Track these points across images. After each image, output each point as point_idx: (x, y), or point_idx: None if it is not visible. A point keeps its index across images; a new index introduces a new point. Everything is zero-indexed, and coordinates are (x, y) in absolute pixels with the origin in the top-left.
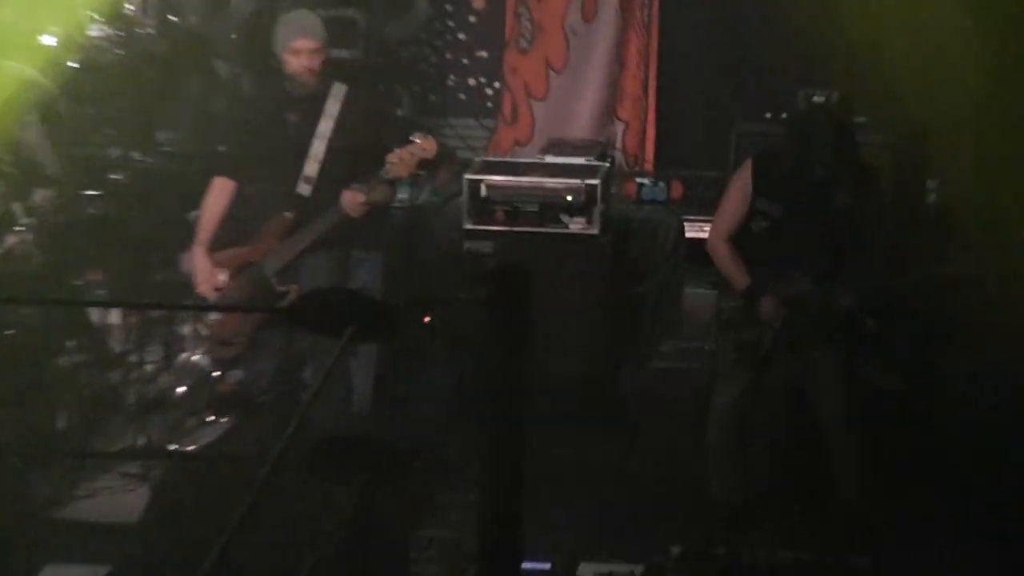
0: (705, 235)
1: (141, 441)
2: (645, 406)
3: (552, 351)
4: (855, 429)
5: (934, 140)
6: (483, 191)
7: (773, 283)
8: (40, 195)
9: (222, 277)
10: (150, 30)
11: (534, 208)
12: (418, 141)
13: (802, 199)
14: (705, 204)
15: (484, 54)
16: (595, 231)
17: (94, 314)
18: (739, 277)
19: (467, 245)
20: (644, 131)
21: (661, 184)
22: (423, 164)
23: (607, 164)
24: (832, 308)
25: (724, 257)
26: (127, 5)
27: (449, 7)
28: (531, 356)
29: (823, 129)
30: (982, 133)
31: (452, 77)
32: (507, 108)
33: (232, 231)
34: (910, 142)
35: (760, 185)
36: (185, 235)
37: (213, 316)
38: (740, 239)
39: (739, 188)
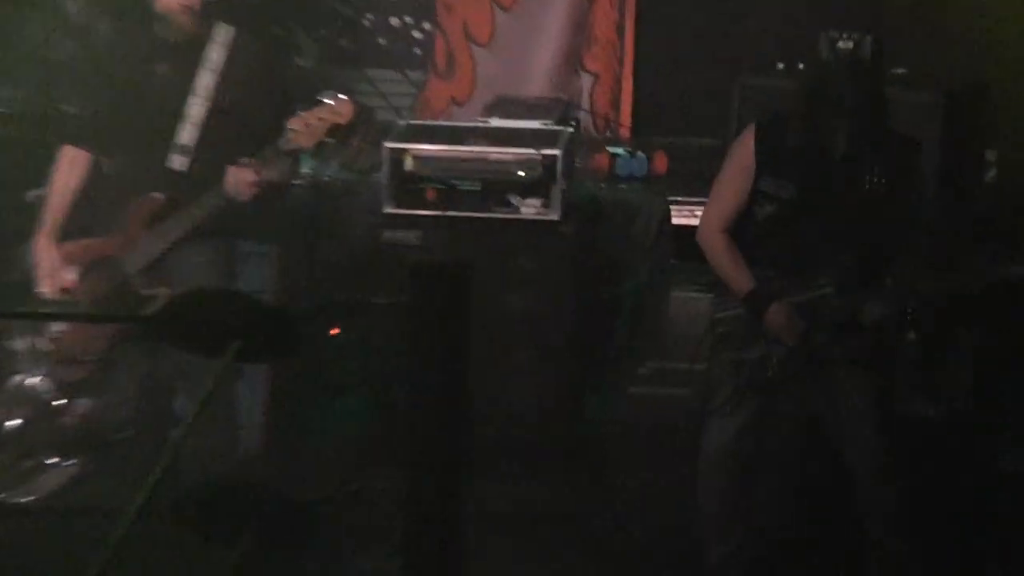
0: (697, 222)
1: None
2: (618, 444)
3: (498, 373)
4: (892, 477)
5: (996, 99)
6: (409, 164)
7: (784, 287)
8: None
9: (71, 275)
10: None
11: (475, 187)
12: (327, 101)
13: (821, 178)
14: (698, 182)
15: None
16: (555, 217)
17: None
18: (740, 278)
19: (387, 235)
20: (619, 86)
21: (641, 155)
22: (333, 131)
23: (570, 129)
24: (861, 320)
25: (720, 252)
26: None
27: None
28: (471, 380)
29: (850, 85)
30: None
31: (369, 17)
32: (440, 56)
33: (86, 215)
34: (965, 101)
35: (766, 159)
36: (25, 220)
37: (57, 326)
38: (741, 230)
39: (739, 163)
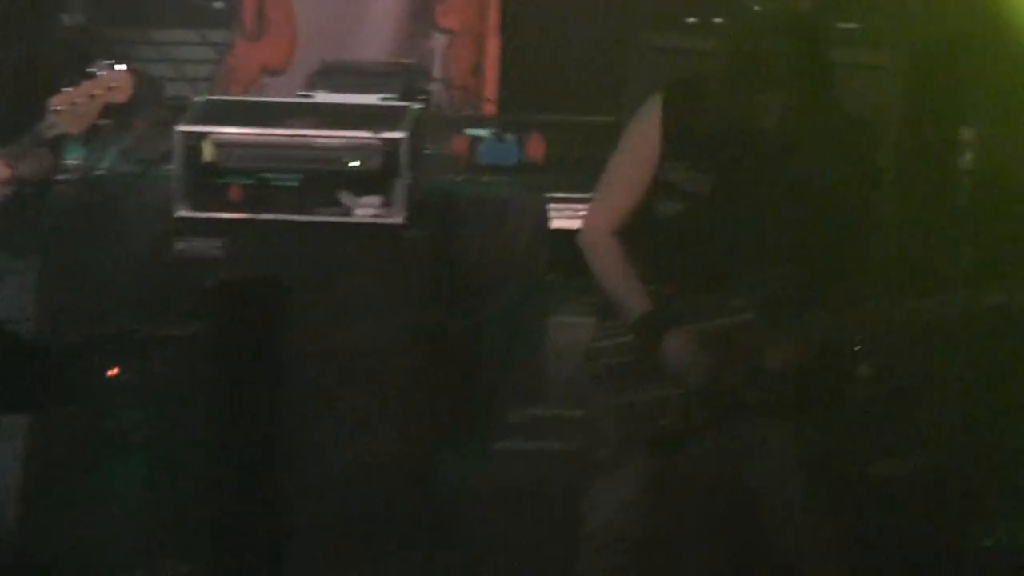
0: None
1: None
2: (481, 514)
3: (325, 425)
4: (838, 550)
5: (974, 59)
6: (208, 153)
7: (689, 309)
8: None
9: None
10: None
11: (294, 182)
12: (101, 74)
13: (745, 167)
14: (584, 173)
15: None
16: (398, 219)
17: None
18: (630, 296)
19: (181, 245)
20: (481, 47)
21: (510, 139)
22: (109, 111)
23: (419, 105)
24: (793, 353)
25: (607, 261)
26: None
27: None
28: (289, 434)
29: (782, 47)
30: None
31: None
32: (249, 13)
33: None
34: (933, 64)
35: (675, 142)
36: None
37: None
38: (638, 233)
39: (639, 145)
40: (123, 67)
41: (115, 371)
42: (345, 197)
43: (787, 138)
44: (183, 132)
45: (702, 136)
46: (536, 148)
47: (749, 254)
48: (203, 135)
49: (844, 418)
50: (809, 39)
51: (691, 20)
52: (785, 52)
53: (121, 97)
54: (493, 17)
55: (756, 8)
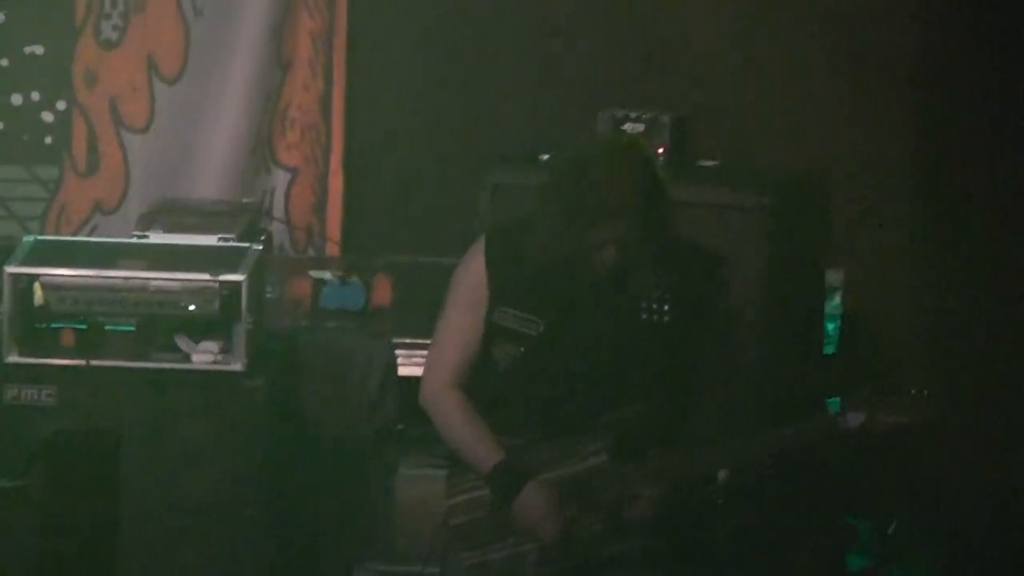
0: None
1: None
2: None
3: None
4: None
5: (841, 199)
6: (38, 296)
7: (543, 455)
8: None
9: None
10: None
11: (130, 326)
12: None
13: (578, 304)
14: (434, 315)
15: (38, 48)
16: (238, 367)
17: None
18: (481, 448)
19: (10, 393)
20: (325, 185)
21: (355, 282)
22: None
23: (259, 246)
24: (651, 494)
25: (454, 416)
26: None
27: None
28: None
29: (614, 178)
30: (922, 186)
31: None
32: (80, 147)
33: None
34: (799, 203)
35: (502, 284)
36: None
37: None
38: (480, 381)
39: (467, 292)
40: None
41: None
42: (183, 343)
43: (620, 273)
44: (12, 274)
45: (530, 277)
46: (382, 291)
47: (596, 394)
48: (33, 277)
49: (709, 564)
50: (641, 168)
51: (543, 158)
52: (617, 182)
53: None
54: (336, 154)
55: (589, 142)
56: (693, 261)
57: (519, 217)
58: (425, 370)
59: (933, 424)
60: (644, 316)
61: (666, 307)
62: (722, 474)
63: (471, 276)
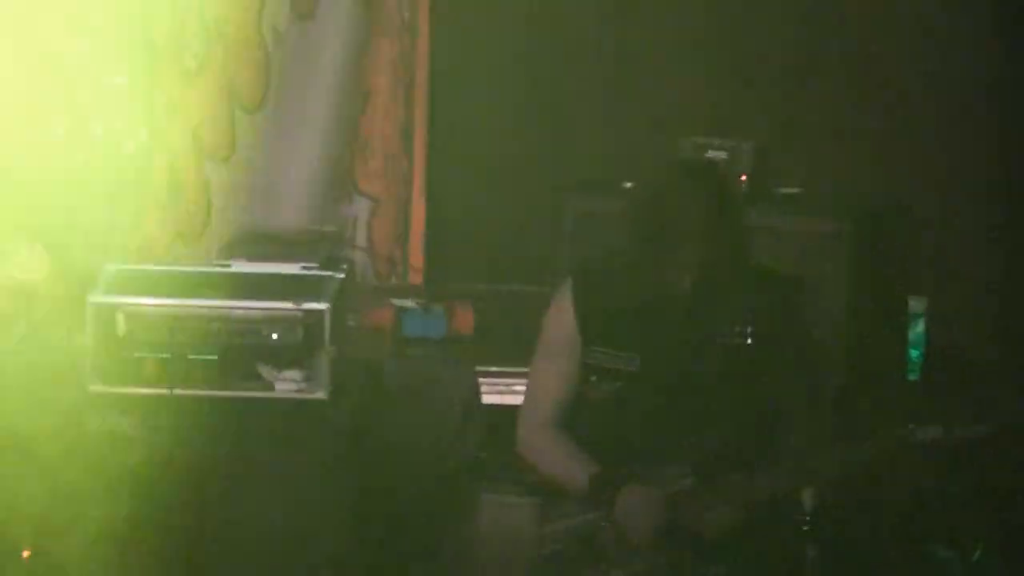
0: (517, 399)
1: None
2: None
3: None
4: None
5: (922, 227)
6: (121, 326)
7: (635, 478)
8: None
9: None
10: None
11: (212, 355)
12: (20, 254)
13: (667, 335)
14: (515, 343)
15: (119, 78)
16: (321, 395)
17: None
18: (581, 465)
19: (93, 422)
20: (406, 214)
21: (437, 310)
22: (21, 294)
23: (341, 275)
24: (734, 516)
25: (551, 450)
26: None
27: None
28: None
29: (689, 203)
30: (1009, 214)
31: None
32: (161, 177)
33: None
34: (881, 231)
35: (591, 325)
36: None
37: None
38: (572, 419)
39: (557, 333)
40: (37, 247)
41: (27, 553)
42: (266, 371)
43: (700, 299)
44: (95, 303)
45: (618, 313)
46: (464, 319)
47: (683, 421)
48: (116, 306)
49: None
50: (715, 193)
51: (626, 184)
52: (695, 206)
53: (36, 277)
54: (418, 182)
55: (669, 167)
56: (772, 284)
57: (602, 254)
58: (520, 414)
59: (1013, 431)
60: (727, 341)
61: (749, 330)
62: (807, 499)
63: (561, 319)
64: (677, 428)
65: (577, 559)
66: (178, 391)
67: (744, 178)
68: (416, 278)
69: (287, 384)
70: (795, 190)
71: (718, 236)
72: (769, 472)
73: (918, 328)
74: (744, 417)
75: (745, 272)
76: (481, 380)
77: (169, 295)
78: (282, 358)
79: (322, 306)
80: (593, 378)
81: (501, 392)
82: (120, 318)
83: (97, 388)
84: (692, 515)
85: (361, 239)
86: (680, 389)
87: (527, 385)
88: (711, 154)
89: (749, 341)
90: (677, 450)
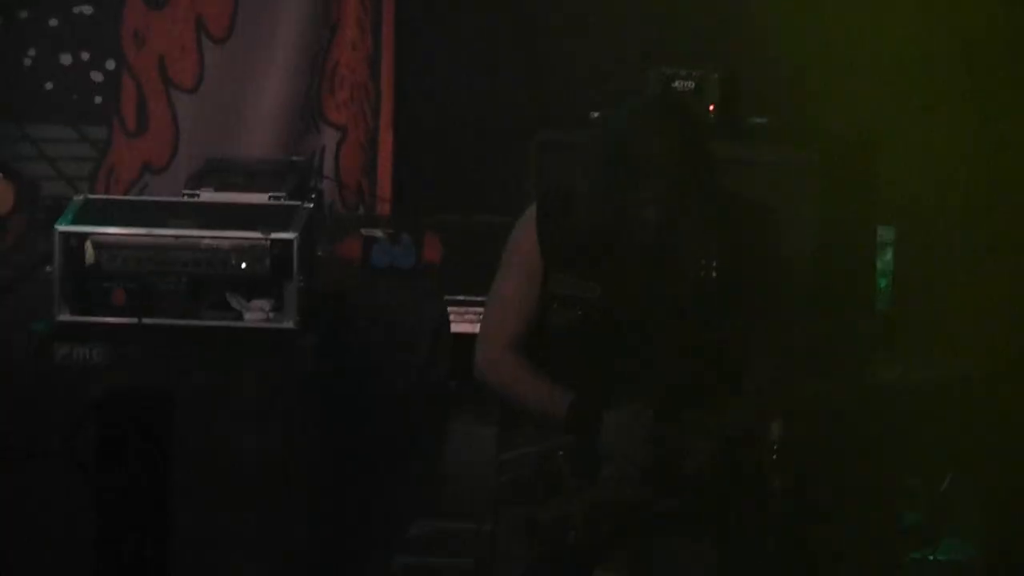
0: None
1: None
2: None
3: (212, 542)
4: None
5: (893, 157)
6: (89, 255)
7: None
8: None
9: None
10: None
11: (180, 285)
12: None
13: (631, 263)
14: (484, 273)
15: (87, 8)
16: (290, 324)
17: None
18: (554, 394)
19: (61, 351)
20: (374, 144)
21: (406, 240)
22: None
23: (309, 204)
24: (697, 451)
25: (515, 376)
26: None
27: None
28: (175, 552)
29: (656, 135)
30: (974, 146)
31: (31, 52)
32: (129, 106)
33: None
34: (850, 161)
35: (554, 251)
36: None
37: None
38: (532, 346)
39: (520, 261)
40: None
41: None
42: (235, 300)
43: (665, 231)
44: (63, 233)
45: (582, 242)
46: (432, 249)
47: (644, 352)
48: (84, 236)
49: (760, 530)
50: (679, 125)
51: (594, 115)
52: (659, 139)
53: (3, 209)
54: (386, 113)
55: (634, 100)
56: (739, 215)
57: (567, 182)
58: (480, 339)
59: (969, 382)
60: (693, 274)
61: (714, 263)
62: (776, 430)
63: (524, 244)
64: (637, 360)
65: (534, 489)
66: (146, 320)
67: (712, 108)
68: (384, 208)
69: (255, 314)
70: (763, 120)
71: (683, 168)
72: (732, 406)
73: (886, 257)
74: (707, 350)
75: (712, 204)
76: (450, 309)
77: (137, 224)
78: (251, 288)
79: (290, 236)
80: (555, 305)
81: (470, 321)
82: (88, 247)
83: (64, 317)
84: (652, 449)
85: (329, 169)
86: (641, 320)
87: (487, 309)
88: (678, 84)
89: (715, 273)
90: (636, 382)
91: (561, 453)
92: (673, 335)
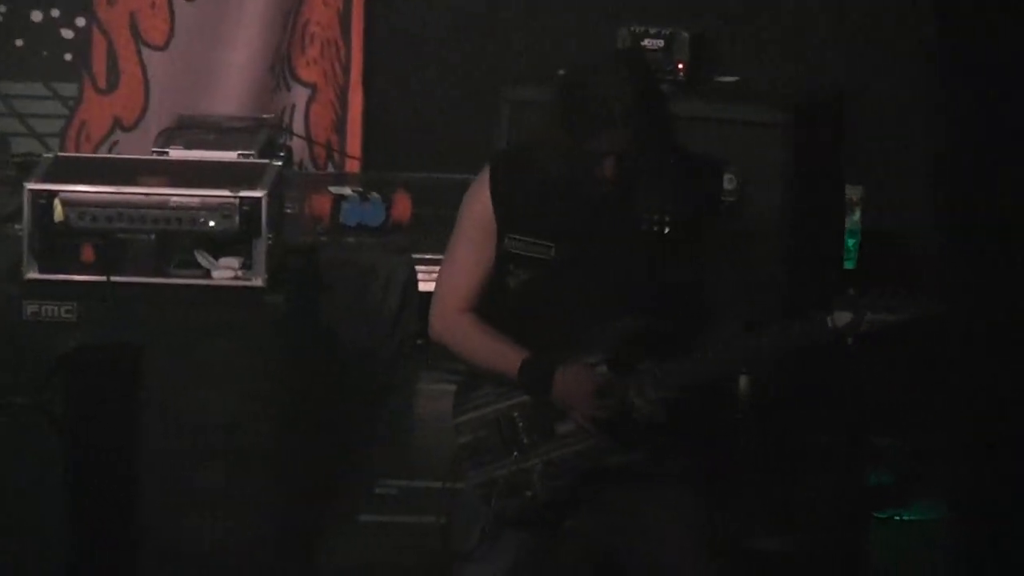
0: None
1: None
2: None
3: (181, 499)
4: None
5: (859, 117)
6: (58, 213)
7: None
8: None
9: None
10: None
11: (148, 242)
12: None
13: (584, 223)
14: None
15: None
16: (258, 282)
17: None
18: (507, 352)
19: (30, 308)
20: (344, 102)
21: (375, 198)
22: None
23: (279, 162)
24: (655, 403)
25: (469, 335)
26: None
27: None
28: (142, 508)
29: (611, 91)
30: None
31: (2, 8)
32: (99, 63)
33: None
34: (820, 120)
35: (508, 212)
36: None
37: None
38: (488, 306)
39: (474, 223)
40: None
41: None
42: (203, 258)
43: (622, 186)
44: (32, 190)
45: (536, 201)
46: (402, 207)
47: (601, 309)
48: (53, 193)
49: (722, 487)
50: (636, 80)
51: (561, 72)
52: (611, 94)
53: None
54: (356, 70)
55: (598, 57)
56: (694, 171)
57: (523, 141)
58: (435, 300)
59: (922, 323)
60: (646, 228)
61: (667, 218)
62: (742, 387)
63: (478, 206)
64: (591, 317)
65: (491, 449)
66: (115, 278)
67: (681, 67)
68: (354, 166)
69: (224, 271)
70: (733, 79)
71: (640, 124)
72: (690, 358)
73: (855, 217)
74: (661, 306)
75: (667, 159)
76: (418, 268)
77: (106, 182)
78: (220, 245)
79: (259, 194)
80: (510, 266)
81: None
82: (57, 205)
83: (33, 275)
84: (608, 402)
85: (299, 127)
86: (594, 278)
87: (441, 270)
88: (648, 43)
89: (667, 228)
90: (592, 338)
91: (516, 413)
92: (624, 289)
